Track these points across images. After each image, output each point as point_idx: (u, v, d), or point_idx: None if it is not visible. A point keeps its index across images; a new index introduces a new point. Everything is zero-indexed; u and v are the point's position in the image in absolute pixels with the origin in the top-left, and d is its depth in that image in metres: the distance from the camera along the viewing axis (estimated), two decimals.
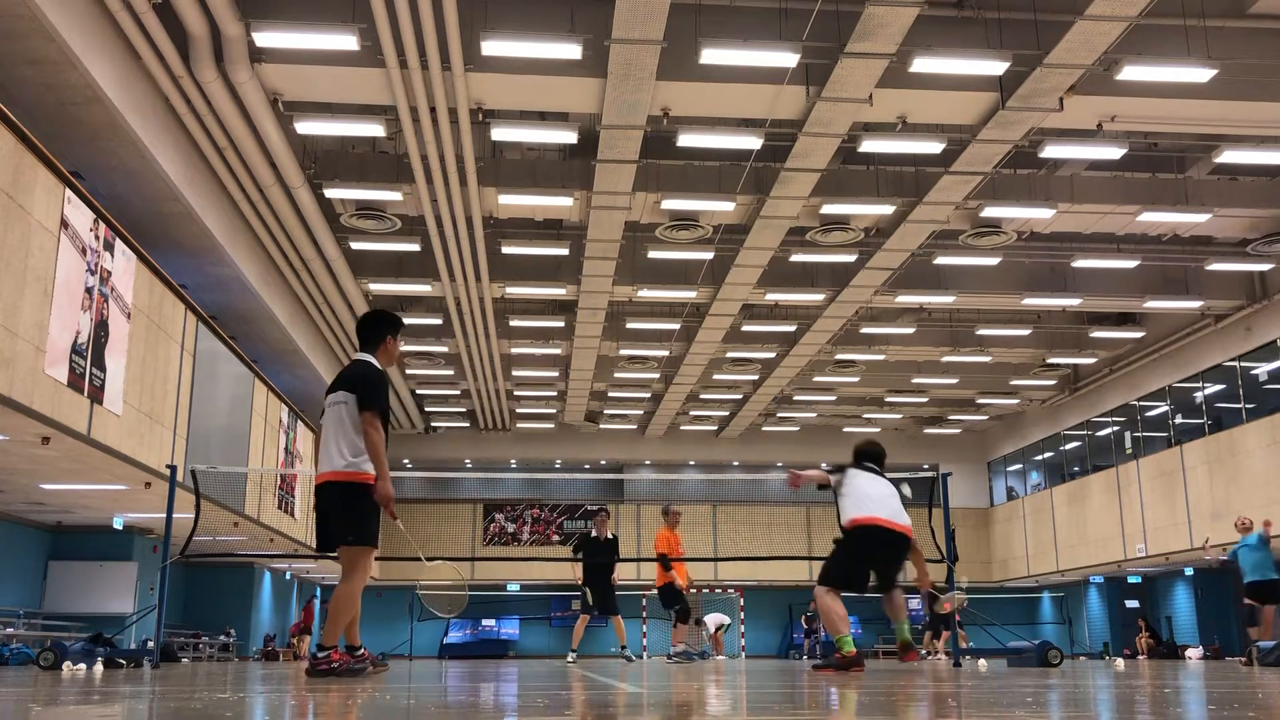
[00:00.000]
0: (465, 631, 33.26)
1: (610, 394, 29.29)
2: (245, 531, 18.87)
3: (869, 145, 15.10)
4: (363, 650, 6.36)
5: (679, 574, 13.39)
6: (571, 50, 12.14)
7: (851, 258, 19.30)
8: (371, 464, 6.06)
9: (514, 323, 22.62)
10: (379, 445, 6.08)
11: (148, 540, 19.66)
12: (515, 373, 26.79)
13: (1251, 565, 14.37)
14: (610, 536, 13.80)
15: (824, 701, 4.23)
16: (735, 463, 34.19)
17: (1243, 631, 18.11)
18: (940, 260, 19.84)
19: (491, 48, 12.10)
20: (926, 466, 33.83)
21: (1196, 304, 21.31)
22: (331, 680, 5.95)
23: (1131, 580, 29.87)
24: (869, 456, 8.17)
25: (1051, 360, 25.79)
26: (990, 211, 17.45)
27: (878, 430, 33.77)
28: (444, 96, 13.08)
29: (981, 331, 23.68)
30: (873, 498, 7.74)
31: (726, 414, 31.54)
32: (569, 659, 13.62)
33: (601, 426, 33.05)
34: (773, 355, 24.94)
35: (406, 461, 33.13)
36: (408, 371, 26.79)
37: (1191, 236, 18.76)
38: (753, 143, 14.52)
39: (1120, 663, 13.49)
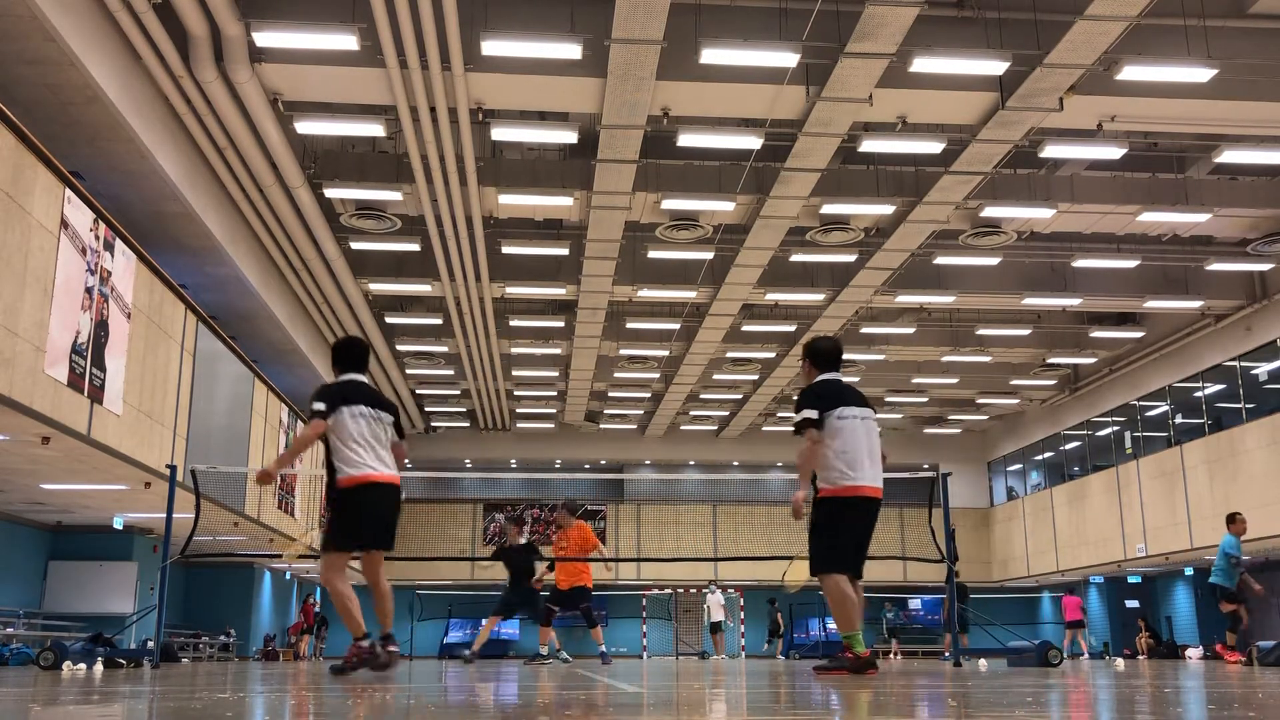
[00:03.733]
0: (465, 631, 33.24)
1: (610, 394, 29.29)
2: (245, 531, 18.86)
3: (869, 145, 15.10)
4: (369, 642, 6.60)
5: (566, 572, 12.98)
6: (571, 50, 12.14)
7: (851, 258, 19.31)
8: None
9: (514, 323, 22.62)
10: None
11: (148, 540, 19.66)
12: (515, 373, 26.79)
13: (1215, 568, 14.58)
14: (523, 543, 13.79)
15: (825, 703, 4.23)
16: (735, 463, 34.19)
17: (1242, 633, 18.15)
18: (940, 260, 19.84)
19: (491, 48, 12.10)
20: (926, 466, 33.82)
21: (1196, 304, 21.31)
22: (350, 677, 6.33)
23: (1131, 580, 29.87)
24: (835, 364, 6.82)
25: (1051, 360, 25.79)
26: (990, 211, 17.45)
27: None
28: (444, 96, 13.08)
29: (981, 331, 23.68)
30: (863, 456, 6.49)
31: (726, 414, 31.54)
32: (467, 653, 13.66)
33: (601, 426, 33.05)
34: (773, 355, 24.95)
35: (407, 461, 33.04)
36: (408, 371, 26.79)
37: (1191, 236, 18.76)
38: (753, 143, 14.52)
39: (1120, 663, 13.50)
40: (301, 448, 6.85)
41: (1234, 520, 14.45)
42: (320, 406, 6.66)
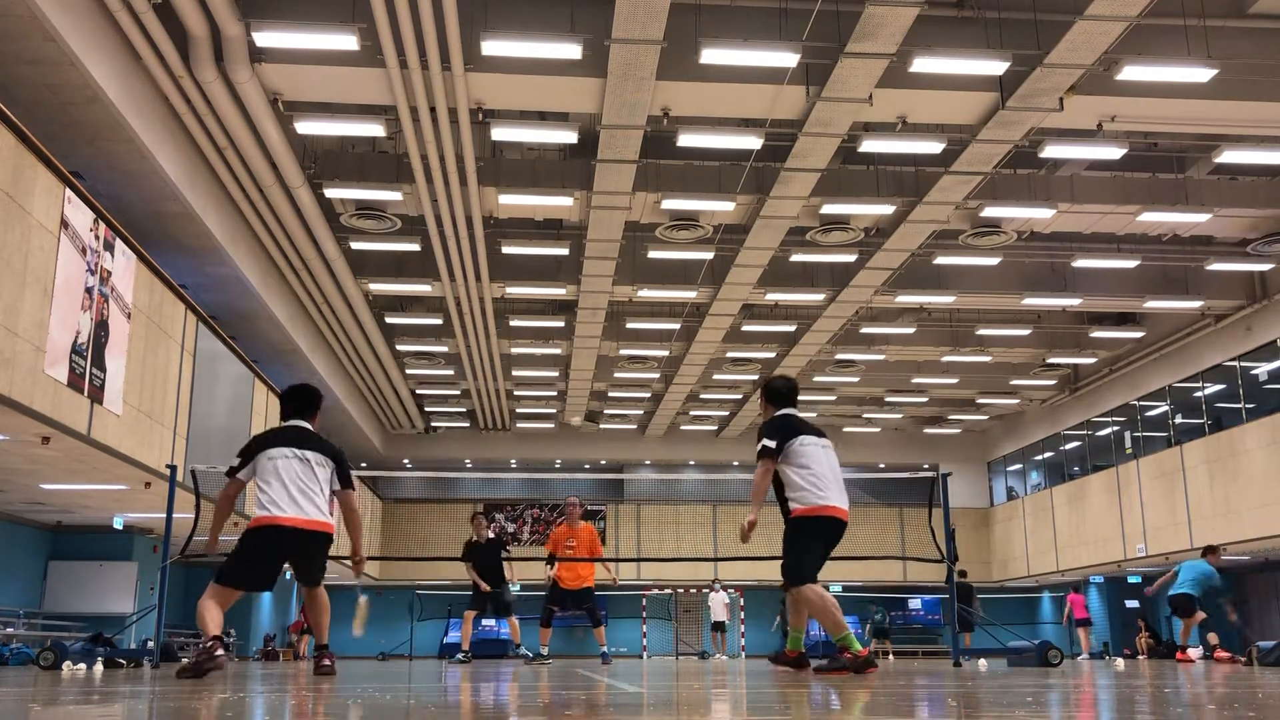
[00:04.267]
0: None
1: (610, 394, 29.29)
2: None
3: (869, 145, 15.10)
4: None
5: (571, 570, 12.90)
6: (571, 50, 12.14)
7: (851, 258, 19.30)
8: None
9: (514, 323, 22.62)
10: (361, 523, 7.15)
11: (148, 540, 19.65)
12: (515, 373, 26.80)
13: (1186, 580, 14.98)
14: (491, 537, 13.76)
15: (825, 702, 4.23)
16: (735, 463, 34.18)
17: (1243, 635, 18.26)
18: (940, 260, 19.84)
19: (491, 48, 12.10)
20: (926, 466, 33.82)
21: (1196, 304, 21.31)
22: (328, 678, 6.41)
23: (1131, 580, 29.88)
24: (791, 400, 7.21)
25: (1051, 360, 25.79)
26: (990, 211, 17.45)
27: (877, 430, 33.80)
28: (444, 96, 13.08)
29: (981, 331, 23.68)
30: (830, 480, 6.85)
31: (726, 414, 31.54)
32: (460, 655, 13.56)
33: (601, 427, 33.04)
34: (773, 355, 24.95)
35: (406, 461, 33.13)
36: (408, 371, 26.79)
37: (1191, 236, 18.76)
38: (753, 143, 14.51)
39: (1120, 662, 13.50)
40: (219, 511, 6.93)
41: (1214, 551, 15.22)
42: (234, 463, 6.82)
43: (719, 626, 25.13)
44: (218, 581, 6.67)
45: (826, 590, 6.74)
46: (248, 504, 15.08)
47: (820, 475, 6.82)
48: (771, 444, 6.83)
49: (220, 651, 6.44)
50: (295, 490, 6.63)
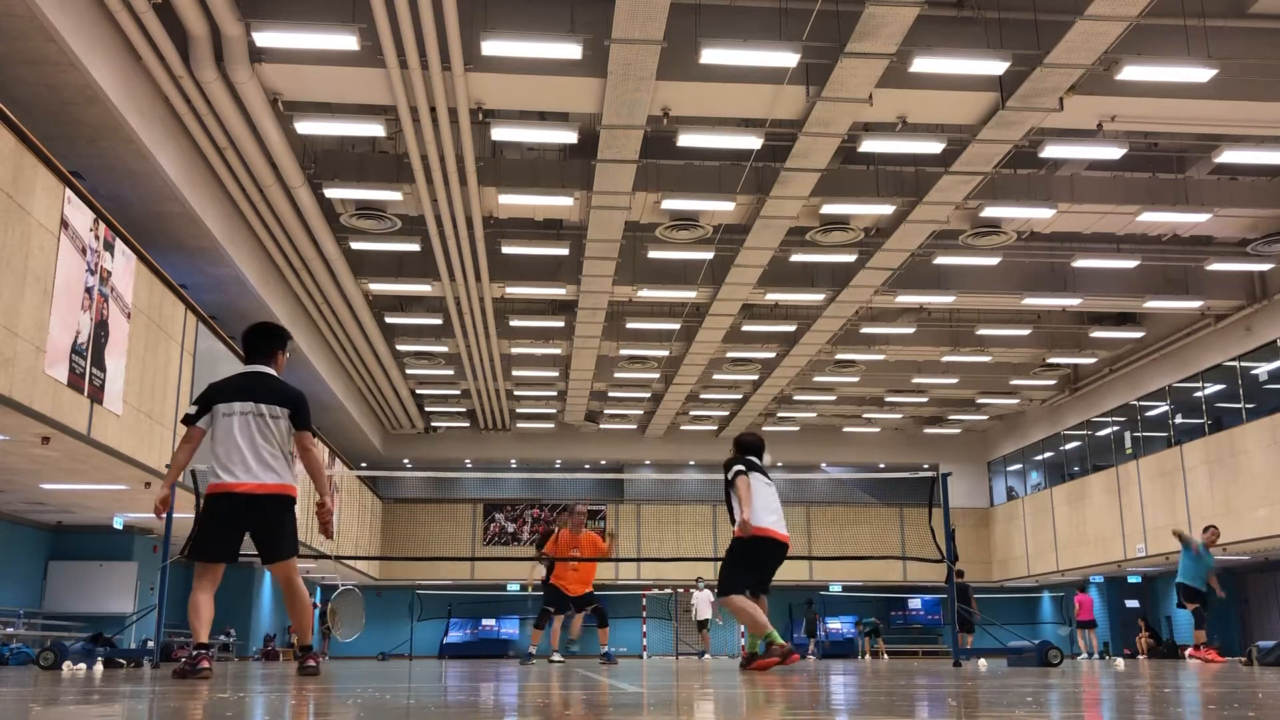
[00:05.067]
0: (465, 631, 33.26)
1: (610, 394, 29.29)
2: None
3: (869, 145, 15.11)
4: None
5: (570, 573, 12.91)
6: (571, 50, 12.14)
7: (851, 258, 19.30)
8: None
9: (514, 323, 22.62)
10: (323, 466, 6.49)
11: (148, 540, 19.65)
12: (515, 373, 26.80)
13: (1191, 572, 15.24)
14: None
15: (825, 703, 4.23)
16: None
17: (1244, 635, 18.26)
18: (940, 260, 19.84)
19: (491, 48, 12.10)
20: (926, 466, 33.82)
21: (1196, 304, 21.31)
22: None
23: (1131, 580, 29.88)
24: (756, 452, 8.46)
25: (1051, 360, 25.79)
26: (990, 211, 17.45)
27: (877, 430, 33.80)
28: (444, 96, 13.08)
29: (981, 331, 23.68)
30: (772, 509, 8.12)
31: (726, 414, 31.54)
32: (556, 658, 13.48)
33: (601, 427, 33.05)
34: (773, 355, 24.95)
35: (406, 461, 33.13)
36: (408, 371, 26.79)
37: (1191, 236, 18.76)
38: (753, 143, 14.52)
39: (1120, 662, 13.50)
40: (176, 461, 6.40)
41: (1208, 530, 15.43)
42: (190, 411, 6.37)
43: (704, 625, 24.93)
44: (189, 557, 6.31)
45: (748, 599, 7.99)
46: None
47: (767, 505, 8.08)
48: (743, 466, 8.15)
49: (205, 664, 6.17)
50: (248, 451, 6.18)
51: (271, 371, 6.59)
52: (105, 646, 11.96)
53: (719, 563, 8.29)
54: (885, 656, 26.27)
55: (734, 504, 8.09)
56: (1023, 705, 3.88)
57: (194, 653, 6.27)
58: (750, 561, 8.01)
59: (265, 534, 6.27)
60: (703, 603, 24.92)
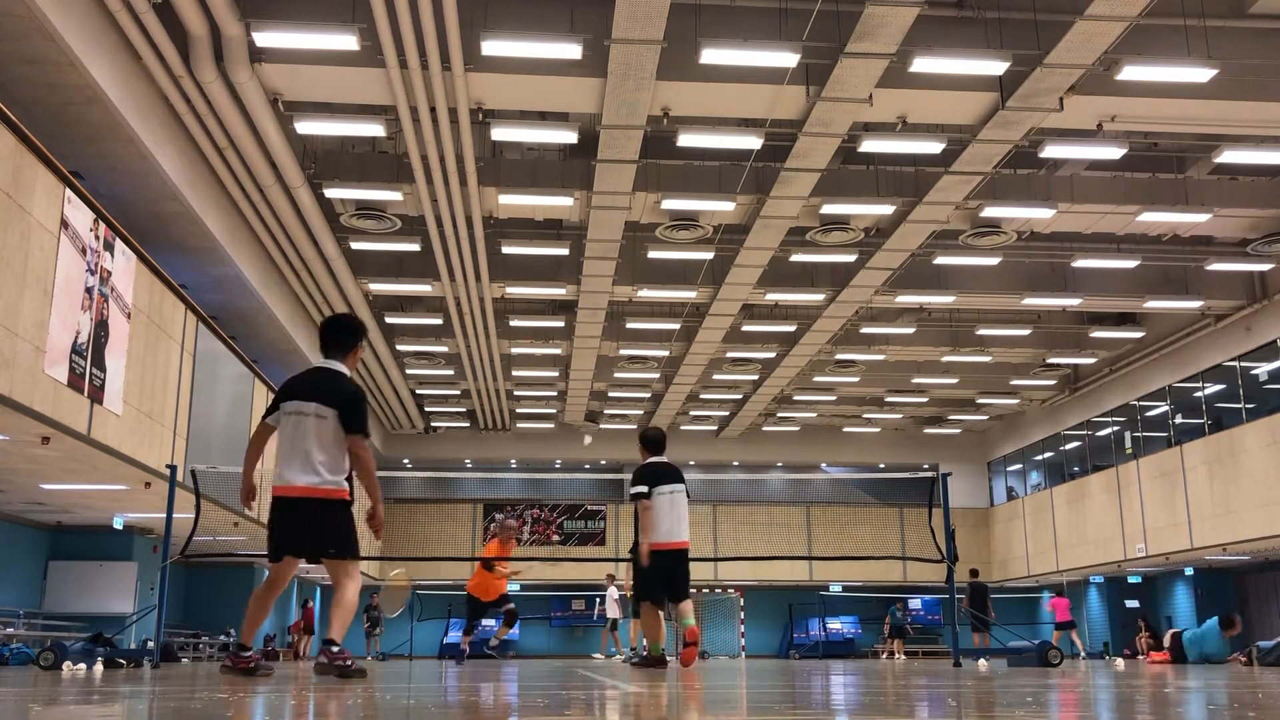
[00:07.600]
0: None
1: (610, 394, 29.29)
2: (245, 531, 18.84)
3: (869, 145, 15.10)
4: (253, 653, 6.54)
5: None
6: (571, 50, 12.14)
7: (851, 258, 19.30)
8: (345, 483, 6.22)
9: (514, 323, 22.62)
10: (373, 470, 6.25)
11: (148, 540, 19.65)
12: (515, 373, 26.79)
13: None
14: None
15: (825, 702, 4.23)
16: (735, 463, 34.18)
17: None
18: (940, 260, 19.84)
19: (491, 48, 12.10)
20: (926, 466, 33.82)
21: (1196, 304, 21.31)
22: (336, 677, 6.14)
23: (1131, 580, 29.87)
24: (658, 448, 9.49)
25: (1051, 360, 25.79)
26: (990, 211, 17.45)
27: (877, 430, 33.80)
28: (444, 96, 13.07)
29: (981, 331, 23.68)
30: (667, 522, 9.06)
31: (726, 414, 31.53)
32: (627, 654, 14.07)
33: (601, 427, 33.04)
34: (773, 355, 24.94)
35: (406, 461, 33.12)
36: (408, 371, 26.79)
37: (1191, 236, 18.76)
38: (753, 143, 14.51)
39: (1120, 663, 13.51)
40: (247, 457, 6.42)
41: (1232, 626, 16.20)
42: (269, 406, 6.36)
43: (614, 625, 23.48)
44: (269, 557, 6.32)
45: (672, 605, 9.09)
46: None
47: (660, 519, 9.07)
48: (644, 489, 9.17)
49: (241, 665, 6.23)
50: (294, 453, 6.09)
51: (340, 368, 6.38)
52: (105, 646, 11.98)
53: (717, 563, 8.78)
54: (900, 657, 26.10)
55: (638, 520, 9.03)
56: (1022, 705, 3.88)
57: (246, 654, 6.30)
58: (657, 570, 9.00)
59: (309, 535, 6.15)
60: (610, 601, 23.61)
